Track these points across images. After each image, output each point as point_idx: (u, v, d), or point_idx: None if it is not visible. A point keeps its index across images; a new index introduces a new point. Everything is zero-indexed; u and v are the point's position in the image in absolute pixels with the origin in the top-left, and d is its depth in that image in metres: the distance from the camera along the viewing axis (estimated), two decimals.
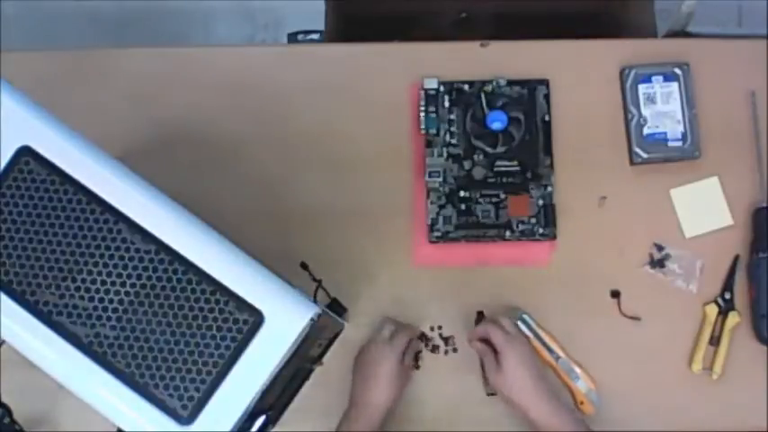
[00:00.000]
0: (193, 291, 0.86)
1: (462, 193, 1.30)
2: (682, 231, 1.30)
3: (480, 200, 1.30)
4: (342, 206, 1.33)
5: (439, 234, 1.29)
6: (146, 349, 0.86)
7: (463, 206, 1.30)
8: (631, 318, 1.28)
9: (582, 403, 1.25)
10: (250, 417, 0.87)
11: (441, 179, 1.30)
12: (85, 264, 0.88)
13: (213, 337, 0.86)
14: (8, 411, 1.13)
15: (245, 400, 0.85)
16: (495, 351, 1.18)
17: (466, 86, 1.33)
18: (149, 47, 1.41)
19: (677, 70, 1.32)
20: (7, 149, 0.90)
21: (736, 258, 1.29)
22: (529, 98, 1.33)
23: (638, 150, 1.30)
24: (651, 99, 1.31)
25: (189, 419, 0.85)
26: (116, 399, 0.86)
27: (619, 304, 1.28)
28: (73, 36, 2.24)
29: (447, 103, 1.33)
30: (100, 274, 0.87)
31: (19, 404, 1.14)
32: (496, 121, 1.30)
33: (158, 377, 0.86)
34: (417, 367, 1.28)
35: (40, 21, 2.25)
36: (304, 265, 1.29)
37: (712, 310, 1.27)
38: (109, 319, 0.87)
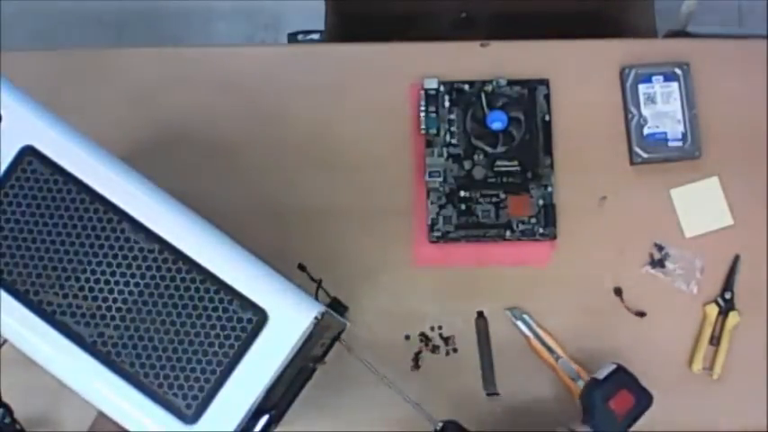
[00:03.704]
0: (197, 290, 0.86)
1: (462, 193, 1.30)
2: (682, 231, 1.30)
3: (480, 200, 1.30)
4: (342, 206, 1.32)
5: (439, 234, 1.29)
6: (150, 349, 0.86)
7: (463, 206, 1.30)
8: (636, 313, 1.28)
9: None
10: (254, 416, 0.87)
11: (441, 179, 1.30)
12: (89, 263, 0.88)
13: (217, 336, 0.86)
14: (9, 411, 1.13)
15: (249, 399, 0.85)
16: None
17: (466, 86, 1.33)
18: (149, 47, 1.41)
19: (677, 70, 1.32)
20: (10, 149, 0.90)
21: (737, 258, 1.29)
22: (529, 98, 1.33)
23: (638, 150, 1.31)
24: (651, 99, 1.31)
25: (193, 418, 0.85)
26: (120, 398, 0.86)
27: (622, 300, 1.28)
28: (73, 36, 2.24)
29: (447, 103, 1.33)
30: (103, 273, 0.87)
31: (19, 404, 1.14)
32: (496, 121, 1.30)
33: (162, 376, 0.86)
34: (417, 367, 1.28)
35: (40, 21, 2.25)
36: (302, 267, 1.29)
37: (712, 310, 1.27)
38: (113, 318, 0.87)
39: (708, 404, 1.27)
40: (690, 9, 1.47)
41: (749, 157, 1.32)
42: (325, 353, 1.15)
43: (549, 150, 1.31)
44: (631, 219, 1.31)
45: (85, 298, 0.87)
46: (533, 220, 1.29)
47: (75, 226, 0.88)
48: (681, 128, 1.31)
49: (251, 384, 0.85)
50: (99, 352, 0.87)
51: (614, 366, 1.15)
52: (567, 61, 1.35)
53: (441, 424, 1.13)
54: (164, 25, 2.27)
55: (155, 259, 0.87)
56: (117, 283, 0.87)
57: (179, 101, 1.36)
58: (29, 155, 0.90)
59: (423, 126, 1.32)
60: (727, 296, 1.28)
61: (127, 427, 0.87)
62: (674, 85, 1.32)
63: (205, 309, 0.86)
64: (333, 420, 1.24)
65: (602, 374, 1.15)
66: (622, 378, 1.15)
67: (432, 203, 1.30)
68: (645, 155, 1.30)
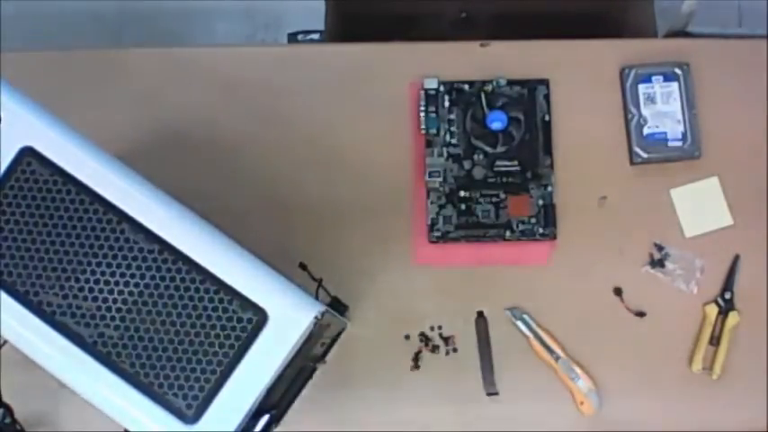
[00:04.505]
0: (197, 290, 0.87)
1: (462, 193, 1.30)
2: (682, 231, 1.30)
3: (480, 200, 1.30)
4: (342, 206, 1.32)
5: (439, 234, 1.29)
6: (150, 349, 0.86)
7: (463, 206, 1.30)
8: (637, 313, 1.28)
9: (582, 403, 1.25)
10: (254, 416, 0.87)
11: (441, 179, 1.30)
12: (89, 264, 0.88)
13: (217, 336, 0.86)
14: (9, 411, 1.13)
15: (249, 399, 0.85)
16: None
17: (466, 86, 1.33)
18: (149, 47, 1.41)
19: (677, 70, 1.32)
20: (10, 150, 0.90)
21: (737, 258, 1.29)
22: (529, 98, 1.33)
23: (638, 150, 1.31)
24: (651, 99, 1.31)
25: (194, 419, 0.85)
26: (121, 399, 0.86)
27: (622, 300, 1.28)
28: (73, 36, 2.24)
29: (447, 103, 1.33)
30: (103, 274, 0.88)
31: (19, 404, 1.14)
32: (496, 121, 1.30)
33: (163, 377, 0.86)
34: (417, 367, 1.28)
35: (40, 21, 2.25)
36: (303, 266, 1.29)
37: (712, 310, 1.27)
38: (113, 319, 0.87)
39: (708, 404, 1.27)
40: (690, 9, 1.47)
41: (749, 157, 1.32)
42: (326, 352, 1.16)
43: (549, 150, 1.31)
44: (631, 219, 1.31)
45: (85, 298, 0.87)
46: (533, 220, 1.29)
47: (74, 227, 0.88)
48: (681, 128, 1.31)
49: (251, 384, 0.85)
50: (99, 352, 0.87)
51: None
52: (567, 61, 1.35)
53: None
54: (164, 25, 2.26)
55: (154, 259, 0.87)
56: (117, 283, 0.87)
57: (179, 101, 1.36)
58: (28, 156, 0.90)
59: (423, 126, 1.32)
60: (727, 296, 1.28)
61: (127, 427, 0.87)
62: (674, 85, 1.32)
63: (205, 309, 0.86)
64: (333, 420, 1.23)
65: None
66: None
67: (432, 203, 1.30)
68: (645, 155, 1.30)
